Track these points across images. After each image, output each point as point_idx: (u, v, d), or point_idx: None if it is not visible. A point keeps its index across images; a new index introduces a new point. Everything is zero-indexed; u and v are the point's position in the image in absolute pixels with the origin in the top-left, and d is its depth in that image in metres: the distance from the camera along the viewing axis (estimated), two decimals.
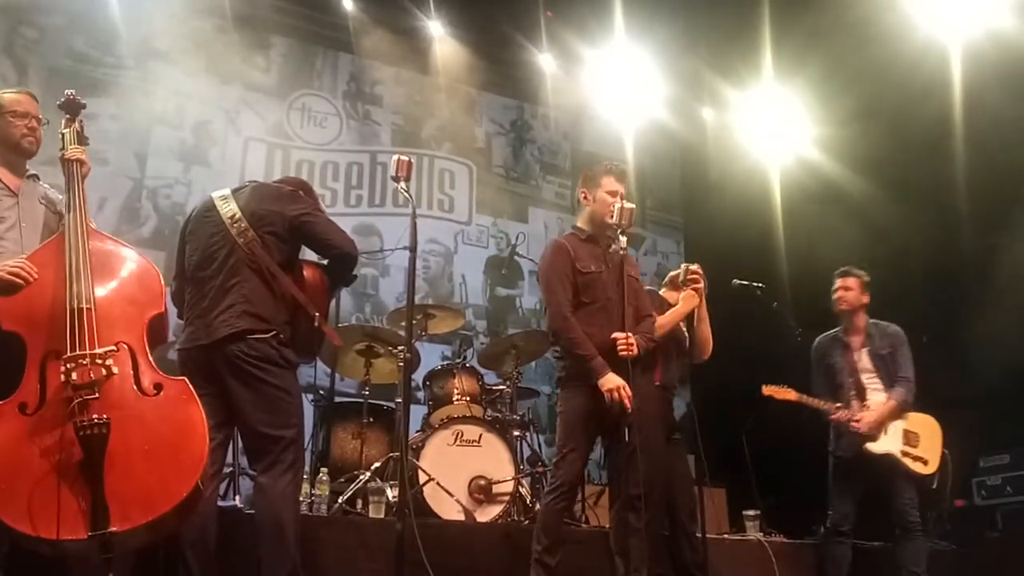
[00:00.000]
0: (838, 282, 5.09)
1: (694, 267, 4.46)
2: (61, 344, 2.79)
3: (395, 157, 3.76)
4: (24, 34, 6.65)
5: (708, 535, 4.30)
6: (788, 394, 4.87)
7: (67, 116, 3.33)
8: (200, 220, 3.53)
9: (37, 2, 6.71)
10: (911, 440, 4.82)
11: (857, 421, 4.78)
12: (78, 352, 2.76)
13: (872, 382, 4.95)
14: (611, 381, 3.65)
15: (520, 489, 5.00)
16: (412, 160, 3.82)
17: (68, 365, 2.73)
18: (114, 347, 2.83)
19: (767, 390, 4.88)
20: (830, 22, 6.75)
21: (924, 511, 4.87)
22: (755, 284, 5.12)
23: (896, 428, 4.83)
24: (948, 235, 6.44)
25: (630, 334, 3.71)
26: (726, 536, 5.43)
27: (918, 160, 6.65)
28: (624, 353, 3.67)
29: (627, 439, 3.52)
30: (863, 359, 4.99)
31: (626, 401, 3.62)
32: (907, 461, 4.77)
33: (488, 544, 4.34)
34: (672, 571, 4.32)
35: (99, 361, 2.76)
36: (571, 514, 5.02)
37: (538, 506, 4.44)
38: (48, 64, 6.66)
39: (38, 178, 3.37)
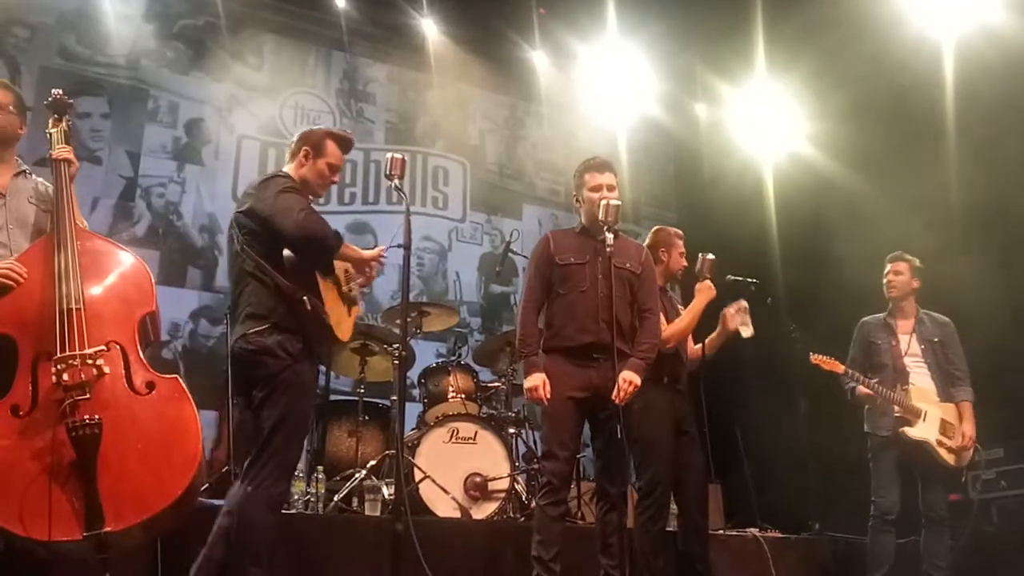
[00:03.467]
0: (889, 267, 5.05)
1: (710, 257, 4.46)
2: (52, 345, 2.78)
3: (389, 155, 3.74)
4: (15, 33, 6.62)
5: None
6: (835, 366, 4.78)
7: (54, 115, 3.30)
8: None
9: (28, 1, 6.68)
10: (947, 431, 4.74)
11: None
12: (68, 353, 2.75)
13: (917, 366, 4.87)
14: (531, 381, 3.68)
15: (516, 486, 5.01)
16: (406, 158, 3.80)
17: (59, 366, 2.72)
18: (104, 347, 2.82)
19: (815, 359, 4.80)
20: (823, 18, 6.74)
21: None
22: (749, 280, 5.12)
23: (934, 416, 4.74)
24: (941, 229, 6.44)
25: (623, 379, 3.63)
26: (722, 531, 5.44)
27: (911, 155, 6.65)
28: (624, 396, 3.60)
29: (619, 436, 3.50)
30: (912, 344, 4.90)
31: (541, 402, 3.65)
32: (942, 452, 4.69)
33: (484, 541, 4.34)
34: (675, 563, 4.34)
35: (89, 361, 2.75)
36: (567, 511, 5.02)
37: (533, 503, 4.44)
38: (39, 63, 6.64)
39: (28, 173, 3.30)
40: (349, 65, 8.00)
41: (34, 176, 3.32)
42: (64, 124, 3.29)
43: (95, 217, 6.39)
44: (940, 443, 4.72)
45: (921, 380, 4.83)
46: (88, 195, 6.45)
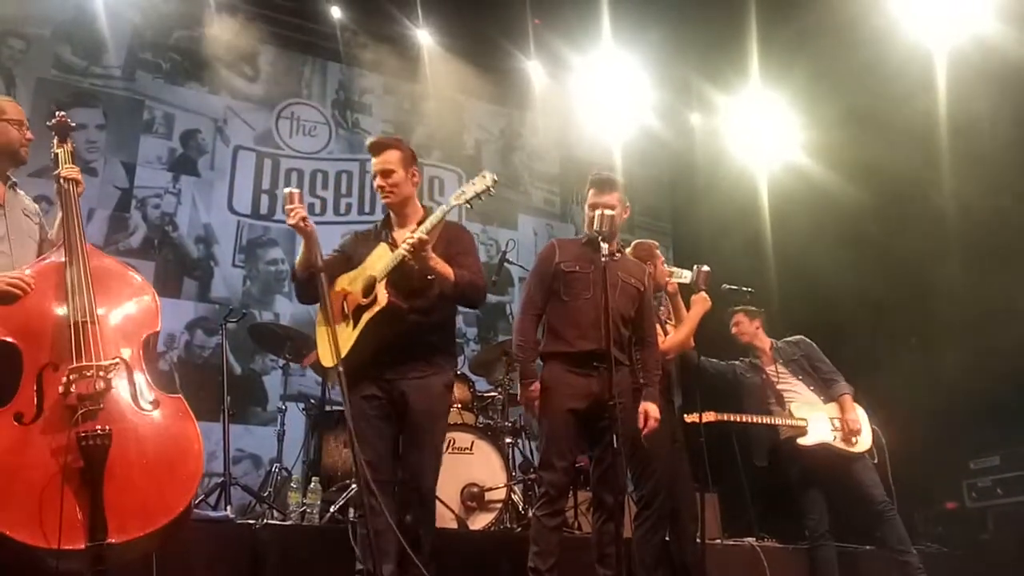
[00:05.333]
0: (731, 323, 5.44)
1: (706, 268, 4.52)
2: (60, 356, 2.80)
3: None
4: (10, 44, 6.63)
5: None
6: (709, 416, 4.90)
7: (58, 137, 3.34)
8: None
9: (23, 13, 6.69)
10: (835, 426, 5.06)
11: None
12: (83, 363, 2.77)
13: (792, 386, 5.21)
14: (529, 390, 3.78)
15: (512, 496, 5.00)
16: None
17: (72, 376, 2.74)
18: (116, 360, 2.85)
19: (689, 419, 4.91)
20: (816, 27, 6.79)
21: (912, 513, 4.98)
22: (744, 288, 5.14)
23: (822, 418, 5.05)
24: (935, 238, 6.47)
25: (648, 415, 3.78)
26: (719, 541, 5.43)
27: (904, 164, 6.68)
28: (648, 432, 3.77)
29: (615, 446, 3.48)
30: (779, 369, 5.28)
31: (530, 413, 3.75)
32: (841, 445, 5.00)
33: (481, 552, 4.33)
34: (671, 574, 4.33)
35: (103, 373, 2.77)
36: (564, 521, 5.01)
37: (530, 513, 4.44)
38: (35, 75, 6.65)
39: (17, 186, 3.35)
40: (344, 76, 8.03)
41: (20, 189, 3.37)
42: (69, 144, 3.35)
43: (90, 228, 6.35)
44: (836, 438, 5.04)
45: (801, 395, 5.19)
46: (83, 206, 6.32)
